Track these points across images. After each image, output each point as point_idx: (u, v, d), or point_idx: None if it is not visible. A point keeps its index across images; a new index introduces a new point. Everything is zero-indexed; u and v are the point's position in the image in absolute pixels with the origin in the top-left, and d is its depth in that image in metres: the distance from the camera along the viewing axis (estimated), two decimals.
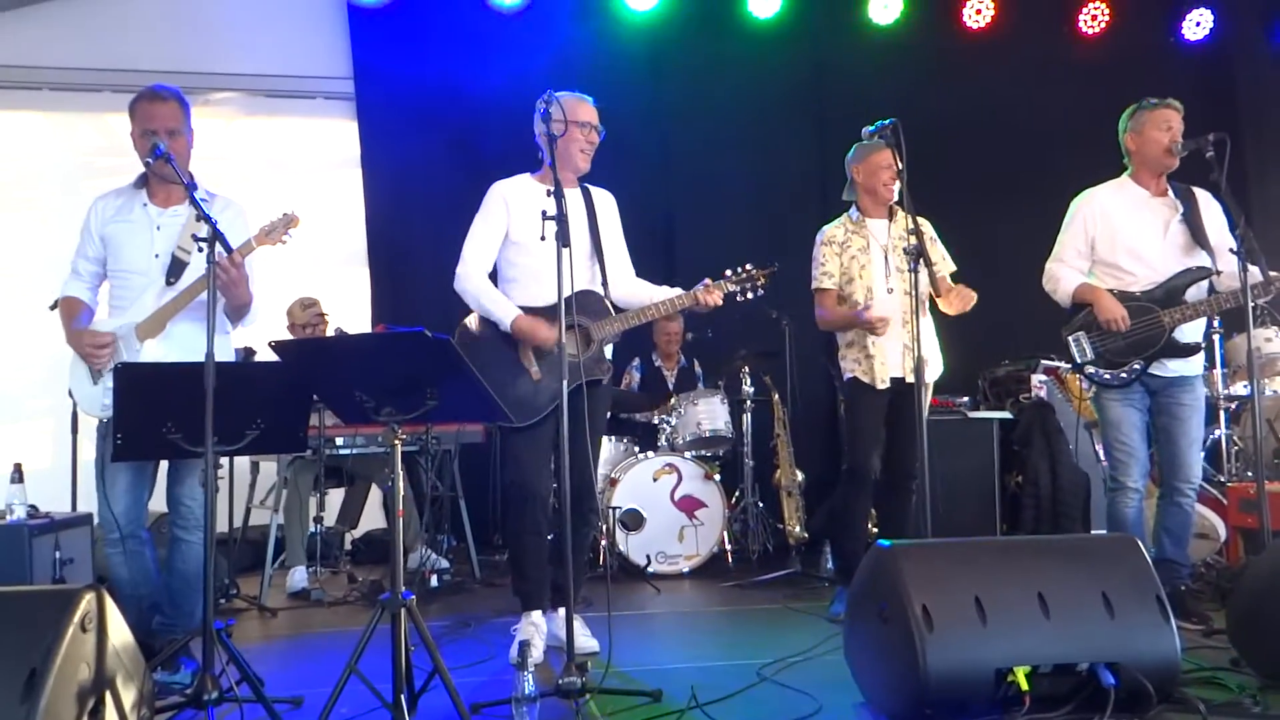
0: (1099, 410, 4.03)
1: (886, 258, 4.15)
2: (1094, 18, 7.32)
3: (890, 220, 4.21)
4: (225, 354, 3.47)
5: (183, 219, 3.39)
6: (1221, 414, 5.45)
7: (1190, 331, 3.92)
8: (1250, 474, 5.14)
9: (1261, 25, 7.59)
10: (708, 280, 3.61)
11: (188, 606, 3.37)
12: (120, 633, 2.44)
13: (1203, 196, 4.02)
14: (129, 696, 2.42)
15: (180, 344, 3.32)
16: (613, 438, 5.74)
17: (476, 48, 6.78)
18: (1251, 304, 3.65)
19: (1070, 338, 3.97)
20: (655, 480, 5.45)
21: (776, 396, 5.87)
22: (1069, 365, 4.03)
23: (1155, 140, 3.94)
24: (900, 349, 4.09)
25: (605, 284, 3.65)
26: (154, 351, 3.31)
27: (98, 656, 2.33)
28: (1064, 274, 4.02)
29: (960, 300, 3.96)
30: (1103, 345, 3.91)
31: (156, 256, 3.37)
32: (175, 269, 3.35)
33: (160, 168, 3.20)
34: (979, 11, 7.20)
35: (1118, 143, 4.12)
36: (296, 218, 3.18)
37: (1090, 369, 3.93)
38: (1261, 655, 3.00)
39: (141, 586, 3.38)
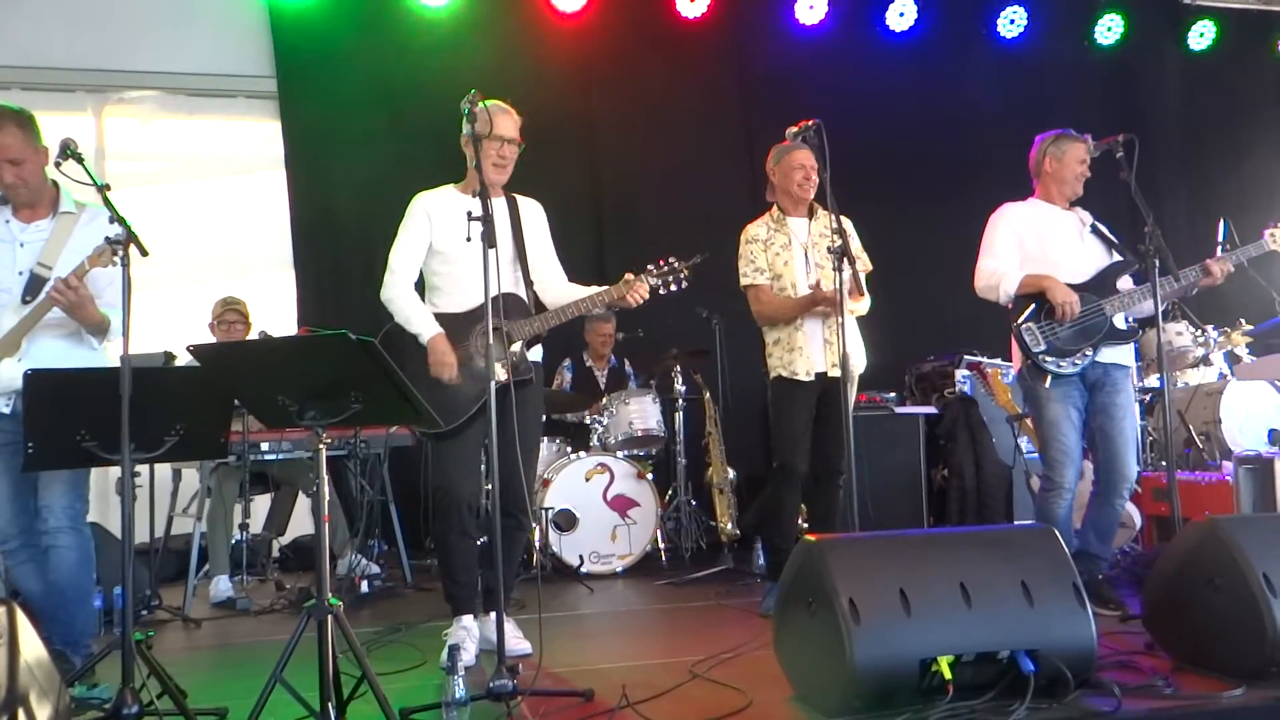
0: (1036, 409, 4.06)
1: (806, 255, 4.22)
2: (1012, 21, 7.50)
3: (810, 219, 4.28)
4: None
5: (45, 234, 3.28)
6: (1136, 406, 5.62)
7: (1120, 318, 4.04)
8: (1163, 463, 5.32)
9: (1168, 30, 7.86)
10: (629, 275, 3.56)
11: (64, 617, 3.26)
12: (33, 647, 2.37)
13: (1099, 222, 4.18)
14: (43, 713, 2.34)
15: (39, 362, 3.16)
16: (544, 438, 5.72)
17: (403, 47, 6.71)
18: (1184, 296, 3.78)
19: (1023, 328, 3.99)
20: (588, 480, 5.45)
21: (708, 395, 5.92)
22: (1021, 354, 4.07)
23: (1072, 170, 4.09)
24: (822, 344, 4.16)
25: (529, 289, 3.63)
26: (11, 370, 3.16)
27: (9, 673, 2.25)
28: (1005, 269, 4.03)
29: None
30: (1053, 335, 3.97)
31: (20, 274, 3.24)
32: (33, 286, 3.21)
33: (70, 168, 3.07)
34: (901, 15, 7.34)
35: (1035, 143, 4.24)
36: (126, 240, 3.00)
37: (1047, 359, 3.97)
38: (1173, 638, 3.12)
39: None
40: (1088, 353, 3.97)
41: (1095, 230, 4.13)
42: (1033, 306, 4.02)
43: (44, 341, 3.23)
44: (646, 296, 3.56)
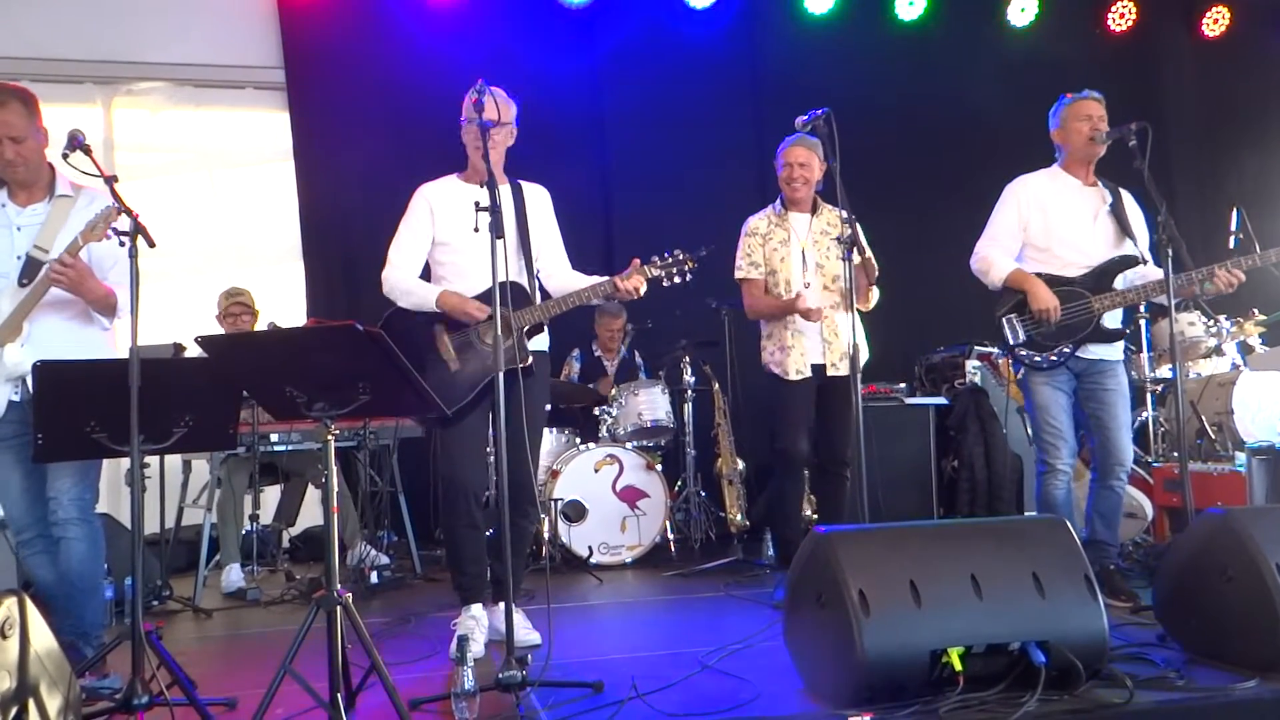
0: (1027, 393, 4.09)
1: (804, 253, 4.19)
2: (1022, 9, 7.45)
3: (813, 215, 4.25)
4: (106, 352, 3.33)
5: (41, 218, 3.27)
6: (1148, 397, 5.60)
7: (1112, 318, 4.01)
8: (1175, 454, 5.29)
9: (1182, 17, 7.79)
10: (636, 260, 3.50)
11: (75, 608, 3.27)
12: (43, 638, 2.37)
13: (1127, 196, 4.11)
14: (54, 703, 2.35)
15: (43, 345, 3.16)
16: (553, 429, 5.73)
17: (412, 37, 6.69)
18: (1187, 297, 3.74)
19: (1004, 320, 4.03)
20: (597, 471, 5.44)
21: (717, 386, 5.91)
22: (1000, 348, 4.10)
23: (1077, 131, 4.03)
24: (819, 341, 4.14)
25: (531, 277, 3.60)
26: (15, 356, 3.15)
27: (20, 663, 2.26)
28: (996, 258, 4.06)
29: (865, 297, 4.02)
30: (1034, 329, 3.97)
31: (18, 258, 3.23)
32: (29, 270, 3.20)
33: (79, 161, 3.07)
34: (911, 3, 7.29)
35: (1047, 132, 4.20)
36: (115, 211, 2.95)
37: (1022, 351, 4.00)
38: (1186, 630, 3.09)
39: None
40: (1066, 349, 3.95)
41: (1114, 211, 4.06)
42: (1018, 298, 4.02)
43: (46, 323, 3.22)
44: (643, 290, 3.48)
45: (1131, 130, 3.82)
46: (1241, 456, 4.60)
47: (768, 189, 4.40)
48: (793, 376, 4.13)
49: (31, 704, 2.27)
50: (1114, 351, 4.04)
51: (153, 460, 4.58)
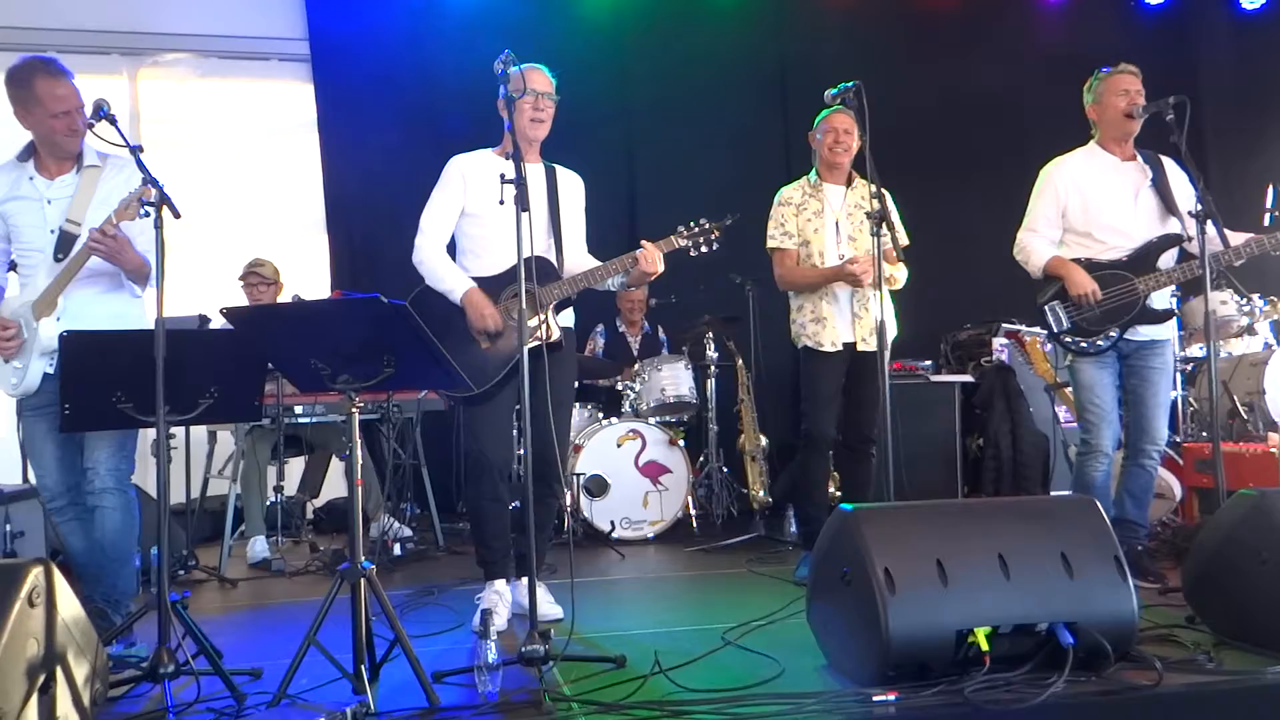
0: (1072, 374, 4.02)
1: (838, 225, 4.14)
2: None
3: (848, 187, 4.19)
4: (139, 321, 3.34)
5: (70, 190, 3.26)
6: (1177, 376, 5.52)
7: (1160, 298, 3.94)
8: (1204, 434, 5.23)
9: None
10: (644, 243, 3.47)
11: (107, 577, 3.30)
12: (71, 606, 2.39)
13: (1169, 163, 4.02)
14: (81, 672, 2.37)
15: (78, 318, 3.19)
16: (577, 404, 5.72)
17: (437, 10, 6.65)
18: (1221, 268, 3.70)
19: (1046, 307, 3.96)
20: (620, 446, 5.43)
21: (740, 361, 5.88)
22: (1045, 333, 4.03)
23: (1114, 105, 3.95)
24: (849, 315, 4.10)
25: (559, 255, 3.58)
26: (50, 330, 3.18)
27: (47, 632, 2.28)
28: (1036, 246, 4.00)
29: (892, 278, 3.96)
30: (1078, 315, 3.90)
31: (52, 232, 3.23)
32: (64, 244, 3.21)
33: (104, 130, 3.07)
34: None
35: (1079, 110, 4.12)
36: (148, 189, 2.91)
37: (1067, 338, 3.93)
38: (1216, 612, 3.06)
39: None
40: (1113, 333, 3.88)
41: (1156, 186, 3.97)
42: (1059, 284, 3.95)
43: (80, 296, 3.23)
44: (660, 268, 3.44)
45: (1169, 104, 3.73)
46: (1275, 437, 4.53)
47: (792, 164, 4.35)
48: (827, 348, 4.09)
49: (59, 672, 2.29)
50: (1165, 331, 3.97)
51: (178, 431, 4.61)
